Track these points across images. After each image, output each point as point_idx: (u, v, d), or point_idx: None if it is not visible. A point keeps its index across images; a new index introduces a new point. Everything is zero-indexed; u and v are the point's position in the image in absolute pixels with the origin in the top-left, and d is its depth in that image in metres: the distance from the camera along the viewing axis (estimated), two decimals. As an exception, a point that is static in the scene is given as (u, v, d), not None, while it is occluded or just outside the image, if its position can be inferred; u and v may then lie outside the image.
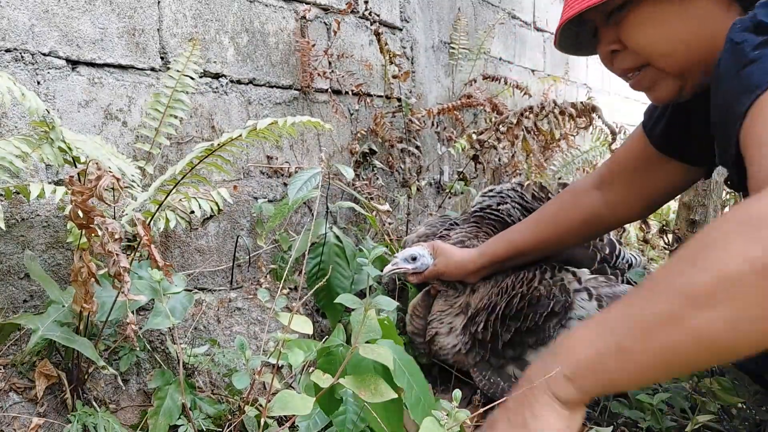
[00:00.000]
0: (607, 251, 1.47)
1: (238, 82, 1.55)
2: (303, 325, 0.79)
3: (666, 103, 1.06)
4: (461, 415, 0.75)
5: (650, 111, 1.20)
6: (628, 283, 1.41)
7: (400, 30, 2.20)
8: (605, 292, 1.31)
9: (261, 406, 0.78)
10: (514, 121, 2.00)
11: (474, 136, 2.09)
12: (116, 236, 0.84)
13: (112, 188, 0.87)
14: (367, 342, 0.79)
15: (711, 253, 0.62)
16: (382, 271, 1.62)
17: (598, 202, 1.29)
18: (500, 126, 2.02)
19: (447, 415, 0.74)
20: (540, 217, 1.36)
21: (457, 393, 0.77)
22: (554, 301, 1.28)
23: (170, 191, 1.04)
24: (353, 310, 0.87)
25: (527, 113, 2.02)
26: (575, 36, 1.04)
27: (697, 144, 1.11)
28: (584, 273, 1.35)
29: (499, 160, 2.16)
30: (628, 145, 1.26)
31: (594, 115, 2.09)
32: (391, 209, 1.86)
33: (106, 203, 0.86)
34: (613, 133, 2.20)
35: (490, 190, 1.60)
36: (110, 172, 0.85)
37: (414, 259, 1.39)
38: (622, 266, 1.47)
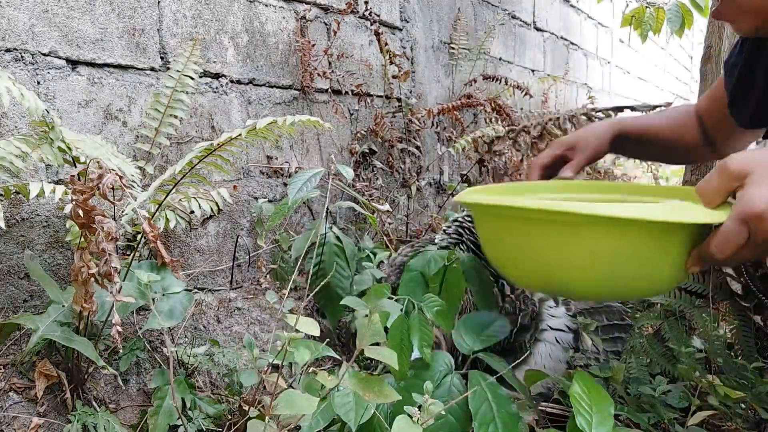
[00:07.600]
0: None
1: (238, 82, 1.55)
2: (309, 326, 0.79)
3: (746, 37, 0.96)
4: (434, 408, 0.72)
5: (727, 66, 1.13)
6: None
7: (400, 30, 2.20)
8: None
9: (263, 406, 0.78)
10: (537, 134, 1.94)
11: (480, 141, 2.07)
12: (111, 236, 0.83)
13: (113, 187, 0.86)
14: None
15: None
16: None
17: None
18: (517, 136, 1.96)
19: (419, 408, 0.72)
20: (671, 115, 1.27)
21: (428, 386, 0.74)
22: (521, 315, 1.25)
23: (170, 191, 1.04)
24: (353, 309, 0.87)
25: (550, 123, 1.94)
26: None
27: (754, 105, 1.05)
28: None
29: (505, 163, 2.17)
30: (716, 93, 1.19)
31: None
32: (390, 209, 1.86)
33: (111, 201, 0.85)
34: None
35: (455, 221, 1.59)
36: (113, 170, 0.85)
37: None
38: None
